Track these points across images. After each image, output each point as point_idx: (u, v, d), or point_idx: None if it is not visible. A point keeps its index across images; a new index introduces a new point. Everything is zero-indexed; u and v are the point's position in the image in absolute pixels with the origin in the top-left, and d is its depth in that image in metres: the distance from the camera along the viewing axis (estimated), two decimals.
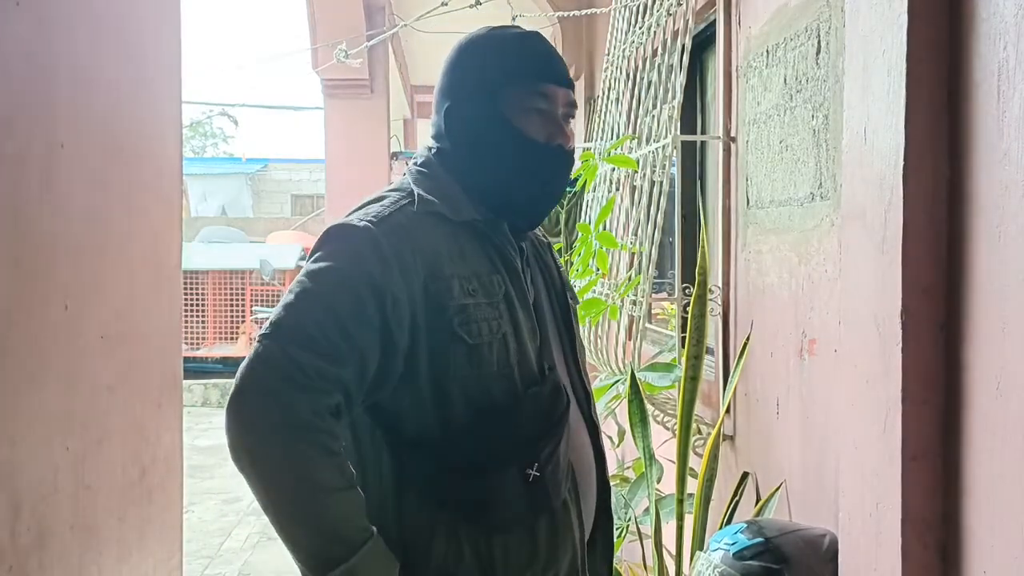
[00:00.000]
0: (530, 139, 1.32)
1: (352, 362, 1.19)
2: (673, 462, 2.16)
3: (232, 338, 9.90)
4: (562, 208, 4.22)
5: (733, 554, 1.58)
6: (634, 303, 2.70)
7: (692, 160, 3.06)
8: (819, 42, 1.87)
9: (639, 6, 3.14)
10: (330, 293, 1.20)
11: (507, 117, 1.32)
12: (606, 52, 3.65)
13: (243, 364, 1.19)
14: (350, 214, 1.32)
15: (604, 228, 2.89)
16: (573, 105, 1.38)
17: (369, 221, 1.25)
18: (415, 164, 1.38)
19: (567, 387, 1.36)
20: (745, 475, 2.18)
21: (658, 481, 2.19)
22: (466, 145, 1.35)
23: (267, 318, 1.24)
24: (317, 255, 1.26)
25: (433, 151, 1.39)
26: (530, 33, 1.39)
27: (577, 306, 1.55)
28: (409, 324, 1.23)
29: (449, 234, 1.29)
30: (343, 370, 1.18)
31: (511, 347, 1.27)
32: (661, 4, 2.88)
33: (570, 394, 1.36)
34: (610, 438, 2.80)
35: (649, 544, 2.25)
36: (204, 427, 7.99)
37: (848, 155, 1.43)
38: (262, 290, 9.81)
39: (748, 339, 2.16)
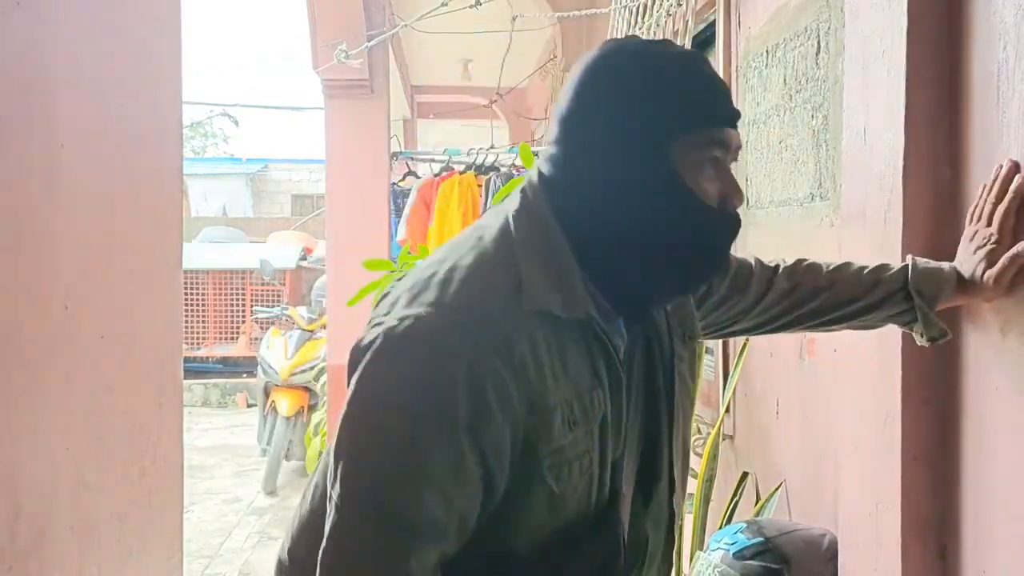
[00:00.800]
0: (703, 203, 0.97)
1: (453, 527, 0.91)
2: None
3: (232, 338, 9.90)
4: None
5: (733, 554, 1.58)
6: None
7: None
8: (819, 42, 1.87)
9: (639, 6, 3.14)
10: (420, 453, 0.89)
11: (677, 172, 0.95)
12: None
13: (325, 549, 0.90)
14: (419, 287, 0.94)
15: None
16: (739, 148, 1.02)
17: (455, 321, 0.91)
18: (522, 206, 1.00)
19: (663, 467, 1.10)
20: (745, 475, 2.18)
21: None
22: (605, 205, 0.97)
23: (335, 474, 0.90)
24: (378, 382, 0.91)
25: (547, 195, 1.00)
26: (694, 54, 1.03)
27: (697, 347, 1.19)
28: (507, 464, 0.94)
29: (552, 337, 0.95)
30: (445, 542, 0.92)
31: (593, 487, 1.00)
32: (661, 4, 2.88)
33: (663, 488, 1.11)
34: None
35: None
36: (204, 427, 7.99)
37: (848, 155, 1.43)
38: (262, 290, 9.80)
39: (748, 339, 2.16)
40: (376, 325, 0.93)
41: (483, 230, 1.01)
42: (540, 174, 1.02)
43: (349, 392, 0.92)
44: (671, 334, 1.11)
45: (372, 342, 0.91)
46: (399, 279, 1.02)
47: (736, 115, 0.99)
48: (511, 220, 0.99)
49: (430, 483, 0.88)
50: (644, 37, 3.11)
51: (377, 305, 0.99)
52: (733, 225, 1.01)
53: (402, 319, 0.91)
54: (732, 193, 0.99)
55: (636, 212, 0.96)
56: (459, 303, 0.92)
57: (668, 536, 1.13)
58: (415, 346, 0.90)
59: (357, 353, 0.92)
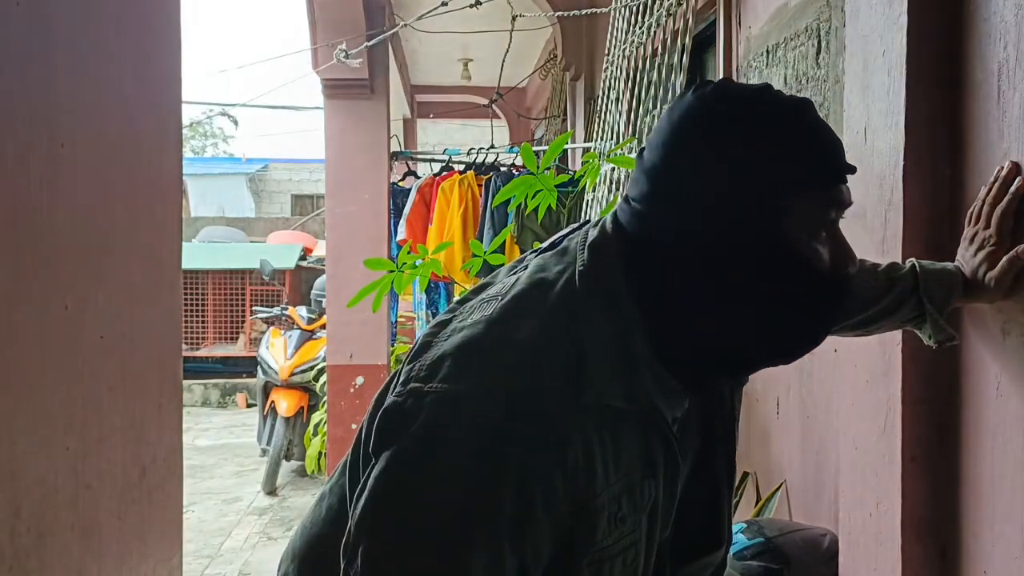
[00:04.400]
0: (817, 273, 0.85)
1: None
2: None
3: (232, 338, 9.90)
4: (563, 208, 4.23)
5: (733, 554, 1.58)
6: None
7: None
8: (819, 42, 1.87)
9: (639, 6, 3.14)
10: (457, 558, 0.78)
11: (789, 244, 0.84)
12: (606, 52, 3.65)
13: None
14: (467, 352, 0.84)
15: None
16: (851, 206, 0.90)
17: (506, 412, 0.80)
18: (592, 267, 0.88)
19: (724, 529, 1.03)
20: (745, 475, 2.18)
21: None
22: (702, 275, 0.85)
23: (355, 555, 0.81)
24: (425, 472, 0.80)
25: (622, 257, 0.88)
26: (805, 102, 0.87)
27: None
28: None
29: (607, 428, 0.84)
30: None
31: (639, 573, 0.91)
32: (661, 4, 2.87)
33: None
34: None
35: None
36: (204, 427, 8.00)
37: (848, 155, 1.43)
38: (262, 290, 9.80)
39: None
40: (414, 392, 0.82)
41: (544, 286, 0.88)
42: (617, 229, 0.90)
43: (380, 466, 0.81)
44: (733, 386, 1.02)
45: (411, 415, 0.81)
46: (443, 323, 0.90)
47: (852, 170, 0.87)
48: (578, 281, 0.87)
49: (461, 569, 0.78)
50: (639, 36, 3.12)
51: (414, 356, 0.87)
52: (845, 296, 0.90)
53: (446, 395, 0.81)
54: (847, 258, 0.88)
55: (738, 283, 0.84)
56: (514, 386, 0.81)
57: None
58: (459, 438, 0.79)
59: (393, 420, 0.82)
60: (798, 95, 0.88)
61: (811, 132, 0.85)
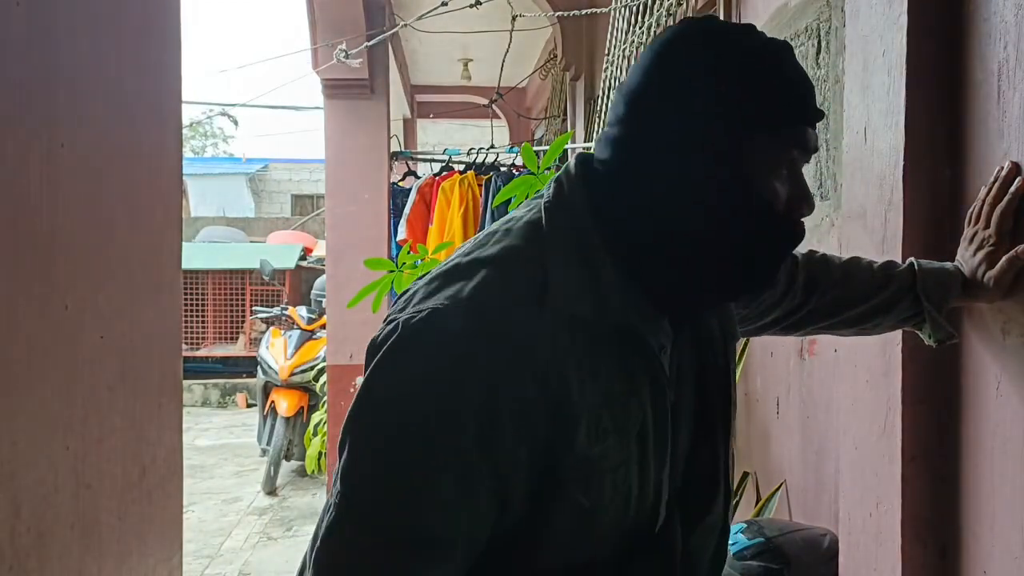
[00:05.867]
0: (771, 210, 0.88)
1: (460, 547, 0.84)
2: None
3: (232, 338, 9.91)
4: None
5: (733, 554, 1.58)
6: None
7: None
8: (819, 42, 1.87)
9: (639, 6, 3.14)
10: (425, 463, 0.81)
11: (748, 176, 0.86)
12: (606, 52, 3.65)
13: (319, 549, 0.84)
14: (439, 280, 0.87)
15: None
16: (816, 151, 0.92)
17: (471, 324, 0.82)
18: (555, 197, 0.92)
19: (720, 479, 1.01)
20: (745, 475, 2.18)
21: None
22: (662, 198, 0.87)
23: (339, 468, 0.85)
24: (385, 379, 0.83)
25: (588, 184, 0.91)
26: (782, 44, 0.90)
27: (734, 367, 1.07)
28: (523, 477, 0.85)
29: (581, 341, 0.86)
30: (450, 563, 0.84)
31: (632, 501, 0.90)
32: (661, 4, 2.87)
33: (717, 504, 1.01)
34: None
35: None
36: (204, 427, 8.00)
37: (848, 155, 1.43)
38: (262, 290, 9.81)
39: (748, 339, 2.16)
40: (390, 320, 0.86)
41: (512, 221, 0.92)
42: (585, 161, 0.93)
43: (361, 385, 0.86)
44: (724, 336, 1.02)
45: (387, 337, 0.84)
46: (423, 275, 0.94)
47: (820, 115, 0.89)
48: (543, 213, 0.90)
49: (435, 497, 0.81)
50: (639, 36, 3.12)
51: (397, 300, 0.93)
52: (797, 238, 0.91)
53: (417, 313, 0.84)
54: (803, 201, 0.89)
55: (696, 210, 0.87)
56: (478, 302, 0.83)
57: (717, 550, 1.03)
58: (427, 347, 0.82)
59: (372, 349, 0.86)
60: (780, 40, 0.90)
61: (781, 72, 0.87)
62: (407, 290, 0.92)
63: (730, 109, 0.85)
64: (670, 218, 0.87)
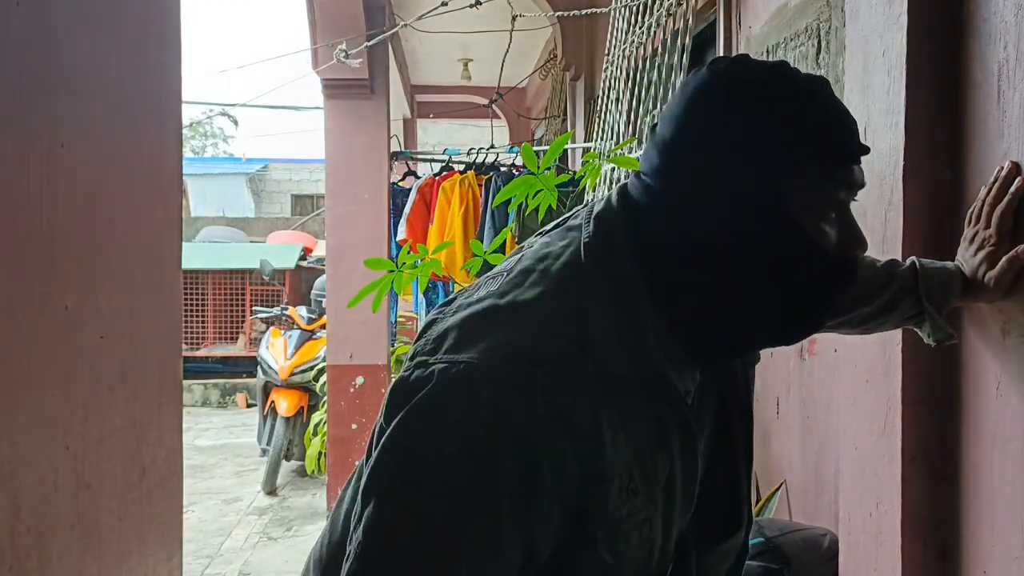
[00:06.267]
0: (821, 252, 0.84)
1: None
2: None
3: (232, 338, 9.91)
4: (564, 208, 4.23)
5: None
6: None
7: None
8: (819, 42, 1.87)
9: (639, 6, 3.14)
10: (456, 519, 0.78)
11: (796, 214, 0.83)
12: (606, 52, 3.65)
13: None
14: (472, 323, 0.84)
15: None
16: (863, 187, 0.89)
17: (509, 382, 0.79)
18: (596, 238, 0.88)
19: (744, 511, 1.01)
20: None
21: None
22: (706, 247, 0.85)
23: (360, 516, 0.81)
24: (420, 433, 0.80)
25: (629, 227, 0.88)
26: (820, 79, 0.87)
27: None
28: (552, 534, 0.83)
29: (615, 397, 0.83)
30: None
31: (655, 553, 0.90)
32: (661, 4, 2.88)
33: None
34: None
35: None
36: (204, 427, 8.00)
37: None
38: (262, 290, 9.80)
39: None
40: (421, 365, 0.83)
41: (549, 260, 0.88)
42: (624, 201, 0.90)
43: (389, 431, 0.82)
44: (744, 363, 1.01)
45: (420, 385, 0.81)
46: (448, 302, 0.91)
47: (865, 150, 0.86)
48: (583, 252, 0.87)
49: (465, 559, 0.78)
50: (639, 36, 3.12)
51: (421, 333, 0.88)
52: (850, 279, 0.88)
53: (453, 364, 0.80)
54: (854, 240, 0.86)
55: (743, 257, 0.84)
56: (517, 354, 0.80)
57: (733, 570, 1.03)
58: (464, 403, 0.79)
59: (402, 392, 0.82)
60: (818, 75, 0.88)
61: (823, 110, 0.84)
62: (434, 322, 0.88)
63: (770, 155, 0.82)
64: (718, 269, 0.85)
